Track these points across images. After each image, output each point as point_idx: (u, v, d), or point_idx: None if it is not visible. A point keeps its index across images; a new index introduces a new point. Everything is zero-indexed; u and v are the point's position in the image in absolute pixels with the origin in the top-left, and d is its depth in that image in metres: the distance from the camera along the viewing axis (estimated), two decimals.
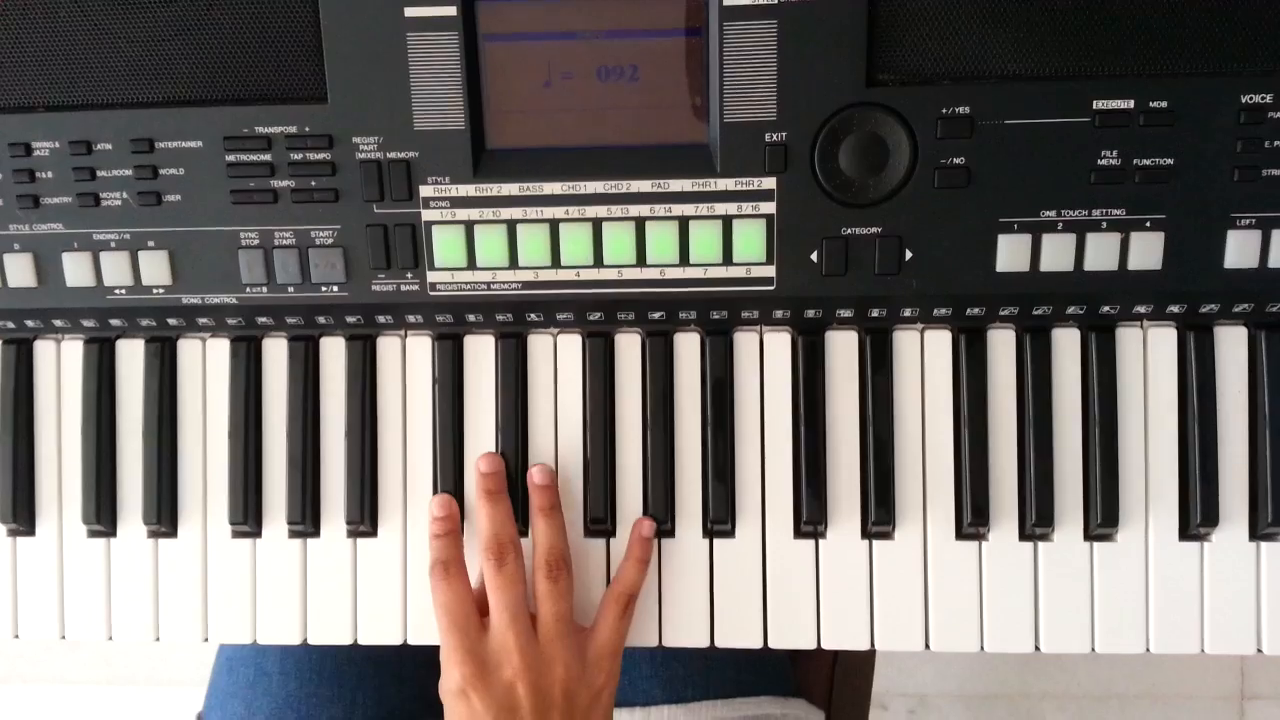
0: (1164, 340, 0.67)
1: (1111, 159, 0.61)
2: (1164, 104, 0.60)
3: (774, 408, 0.68)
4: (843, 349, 0.68)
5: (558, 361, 0.69)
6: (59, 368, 0.71)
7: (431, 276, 0.65)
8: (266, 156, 0.64)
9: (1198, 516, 0.66)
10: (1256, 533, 0.67)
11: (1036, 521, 0.66)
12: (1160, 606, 0.67)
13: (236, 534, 0.70)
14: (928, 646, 0.68)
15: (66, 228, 0.66)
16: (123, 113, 0.64)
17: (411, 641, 0.70)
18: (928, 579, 0.68)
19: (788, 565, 0.68)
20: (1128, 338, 0.67)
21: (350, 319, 0.68)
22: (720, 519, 0.68)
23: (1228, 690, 1.44)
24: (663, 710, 0.78)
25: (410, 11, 0.61)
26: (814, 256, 0.64)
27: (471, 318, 0.68)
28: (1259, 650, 0.67)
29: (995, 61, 0.61)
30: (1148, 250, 0.62)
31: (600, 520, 0.69)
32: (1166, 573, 0.67)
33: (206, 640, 0.71)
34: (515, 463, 0.69)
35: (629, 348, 0.69)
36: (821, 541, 0.68)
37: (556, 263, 0.65)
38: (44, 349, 0.71)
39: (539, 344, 0.69)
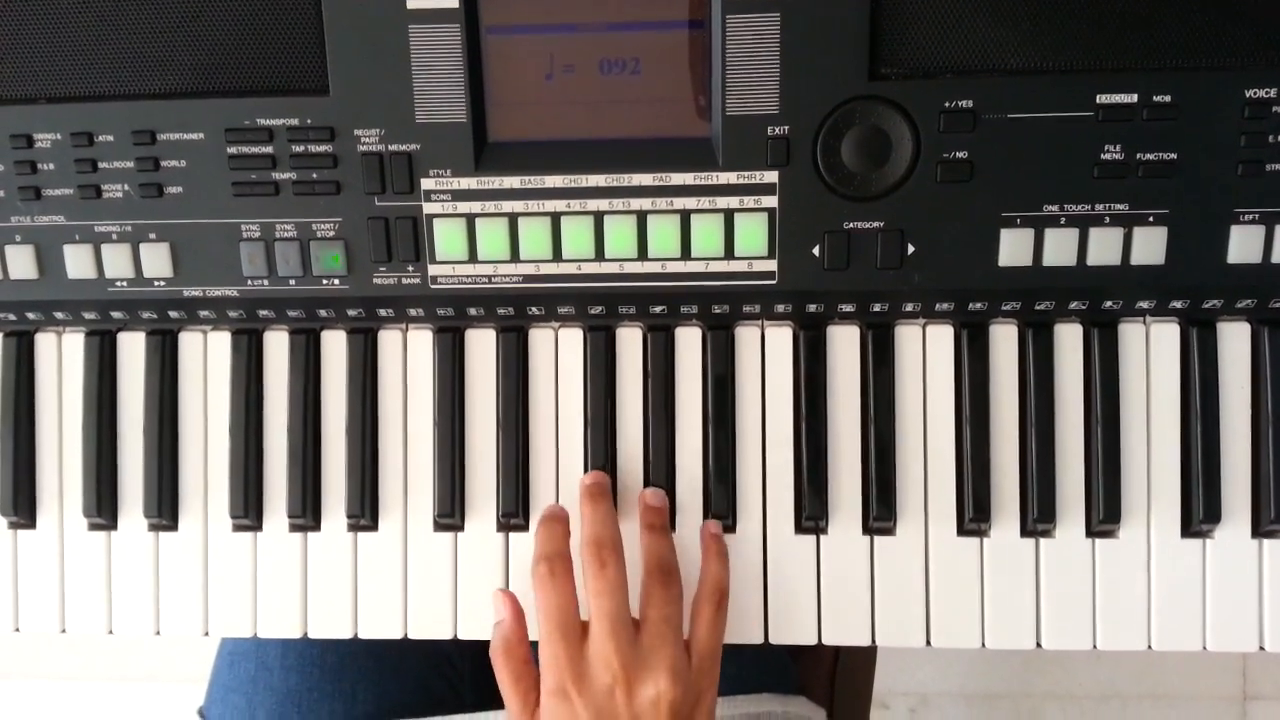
0: (1166, 336, 0.67)
1: (1115, 153, 0.61)
2: (1168, 98, 0.60)
3: (775, 402, 0.68)
4: (844, 344, 0.68)
5: (559, 355, 0.69)
6: (60, 360, 0.71)
7: (433, 270, 0.65)
8: (268, 149, 0.64)
9: (1200, 513, 0.66)
10: (1259, 529, 0.67)
11: (1038, 518, 0.66)
12: (1162, 603, 0.67)
13: (237, 527, 0.70)
14: (929, 643, 0.68)
15: (68, 219, 0.66)
16: (124, 104, 0.64)
17: (412, 635, 0.70)
18: (929, 575, 0.68)
19: (788, 561, 0.68)
20: (1130, 333, 0.67)
21: (351, 312, 0.68)
22: (721, 514, 0.68)
23: (1230, 690, 1.44)
24: None
25: (412, 3, 0.61)
26: (816, 250, 0.64)
27: (473, 311, 0.68)
28: (1261, 648, 0.67)
29: (998, 55, 0.61)
30: (1151, 245, 0.62)
31: None
32: (1168, 569, 0.67)
33: (207, 634, 0.71)
34: (516, 455, 0.68)
35: (630, 341, 0.69)
36: (822, 537, 0.68)
37: (558, 256, 0.65)
38: (45, 341, 0.71)
39: (540, 337, 0.69)
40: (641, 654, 0.63)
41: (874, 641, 0.68)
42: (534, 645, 0.66)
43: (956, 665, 1.46)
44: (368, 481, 0.69)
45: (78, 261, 0.66)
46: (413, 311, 0.68)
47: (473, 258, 0.65)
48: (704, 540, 0.67)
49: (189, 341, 0.70)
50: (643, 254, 0.64)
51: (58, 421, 0.71)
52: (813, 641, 0.68)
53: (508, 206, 0.64)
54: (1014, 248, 0.63)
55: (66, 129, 0.64)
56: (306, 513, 0.69)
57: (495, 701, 0.85)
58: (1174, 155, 0.61)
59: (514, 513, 0.68)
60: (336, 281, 0.66)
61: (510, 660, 0.66)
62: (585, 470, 0.69)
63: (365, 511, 0.69)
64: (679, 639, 0.64)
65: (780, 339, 0.68)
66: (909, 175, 0.62)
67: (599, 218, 0.64)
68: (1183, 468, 0.67)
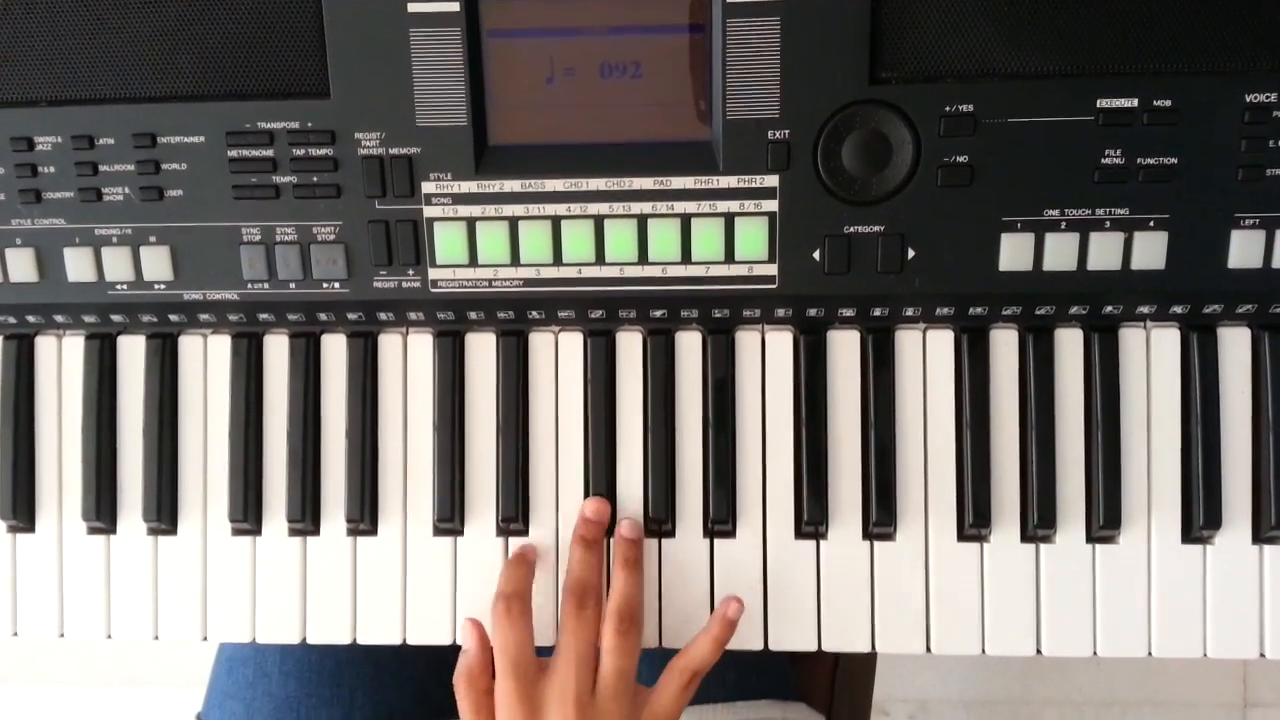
0: (1167, 341, 0.66)
1: (1115, 158, 0.61)
2: (1168, 103, 0.60)
3: (775, 407, 0.68)
4: (845, 348, 0.68)
5: (559, 359, 0.69)
6: (60, 363, 0.71)
7: (433, 273, 0.65)
8: (269, 152, 0.64)
9: (1200, 519, 0.66)
10: (1260, 536, 0.66)
11: (1038, 523, 0.66)
12: (1162, 610, 0.67)
13: (236, 531, 0.70)
14: (929, 649, 0.68)
15: (68, 222, 0.66)
16: (125, 107, 0.64)
17: (410, 641, 0.69)
18: (929, 581, 0.67)
19: (788, 566, 0.68)
20: (1131, 338, 0.67)
21: (351, 316, 0.68)
22: (721, 519, 0.68)
23: (1230, 697, 1.44)
24: None
25: (413, 7, 0.61)
26: (816, 255, 0.64)
27: (473, 315, 0.68)
28: (1261, 655, 0.67)
29: (999, 59, 0.61)
30: (1151, 250, 0.62)
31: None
32: (1169, 576, 0.67)
33: (205, 639, 0.71)
34: (516, 459, 0.68)
35: (630, 346, 0.68)
36: (822, 542, 0.68)
37: (558, 260, 0.65)
38: (45, 344, 0.71)
39: (540, 342, 0.69)
40: (596, 703, 0.63)
41: (874, 648, 0.68)
42: None
43: (956, 671, 1.46)
44: (367, 486, 0.69)
45: (78, 264, 0.66)
46: (413, 315, 0.68)
47: (473, 261, 0.65)
48: (716, 618, 0.67)
49: (189, 345, 0.70)
50: (643, 258, 0.64)
51: (57, 425, 0.71)
52: (812, 648, 0.68)
53: (508, 210, 0.64)
54: (1014, 252, 0.63)
55: (67, 132, 0.64)
56: (306, 517, 0.69)
57: None
58: (1174, 160, 0.61)
59: (514, 517, 0.68)
60: (337, 285, 0.66)
61: (472, 690, 0.66)
62: (585, 474, 0.68)
63: (365, 516, 0.69)
64: (630, 692, 0.65)
65: (780, 343, 0.68)
66: (909, 179, 0.62)
67: (599, 221, 0.64)
68: (1183, 473, 0.67)
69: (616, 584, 0.66)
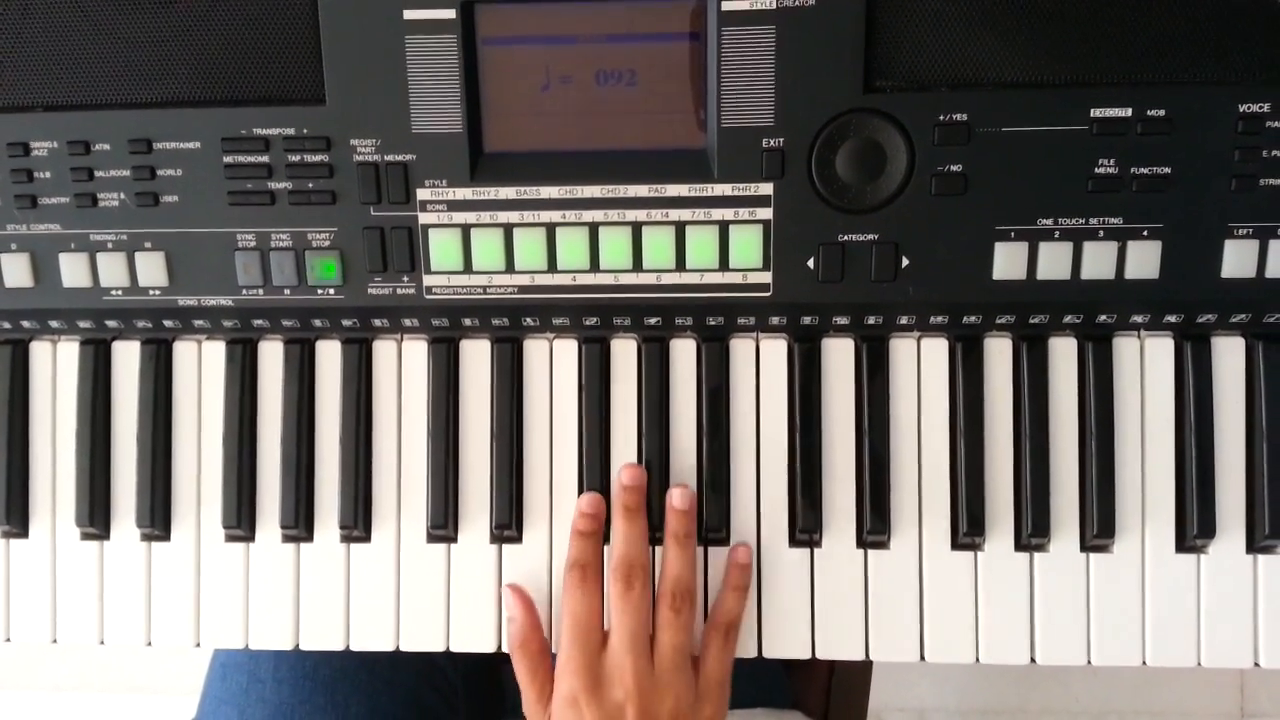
0: (1161, 350, 0.67)
1: (1109, 167, 0.61)
2: (1162, 112, 0.60)
3: (769, 415, 0.68)
4: (839, 356, 0.68)
5: (553, 366, 0.69)
6: (54, 369, 0.71)
7: (428, 280, 0.65)
8: (264, 158, 0.64)
9: (1194, 528, 0.66)
10: (1254, 545, 0.66)
11: (1032, 532, 0.66)
12: (1157, 619, 0.67)
13: (230, 538, 0.70)
14: (923, 657, 0.67)
15: (64, 228, 0.66)
16: (121, 113, 0.64)
17: (404, 648, 0.69)
18: (923, 589, 0.67)
19: (782, 574, 0.68)
20: (1124, 347, 0.67)
21: (346, 322, 0.68)
22: (715, 527, 0.68)
23: (1228, 708, 1.43)
24: None
25: (409, 14, 0.61)
26: (810, 263, 0.64)
27: (467, 322, 0.68)
28: (1256, 664, 0.67)
29: (993, 68, 0.61)
30: (1145, 259, 0.62)
31: None
32: (1163, 585, 0.67)
33: (199, 645, 0.71)
34: (510, 466, 0.68)
35: (625, 353, 0.68)
36: (816, 550, 0.68)
37: (553, 267, 0.65)
38: (40, 350, 0.71)
39: (535, 348, 0.69)
40: (655, 676, 0.64)
41: (868, 656, 0.68)
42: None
43: (953, 680, 1.45)
44: (361, 492, 0.69)
45: (73, 270, 0.66)
46: (407, 322, 0.68)
47: (468, 268, 0.65)
48: (729, 567, 0.67)
49: (183, 351, 0.70)
50: (638, 265, 0.64)
51: (51, 430, 0.71)
52: (806, 655, 0.68)
53: (503, 217, 0.64)
54: (1008, 261, 0.63)
55: (63, 137, 0.64)
56: (299, 523, 0.69)
57: (488, 714, 0.85)
58: (1168, 169, 0.61)
59: (507, 524, 0.68)
60: (331, 291, 0.66)
61: (526, 654, 0.67)
62: (580, 482, 0.68)
63: (358, 522, 0.69)
64: (687, 665, 0.66)
65: (775, 351, 0.68)
66: (904, 188, 0.62)
67: (594, 229, 0.64)
68: (1177, 482, 0.67)
69: (669, 560, 0.66)
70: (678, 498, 0.67)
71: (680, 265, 0.64)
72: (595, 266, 0.64)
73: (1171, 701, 1.43)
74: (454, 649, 0.69)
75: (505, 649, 0.68)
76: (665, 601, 0.66)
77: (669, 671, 0.65)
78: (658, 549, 0.68)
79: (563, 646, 0.66)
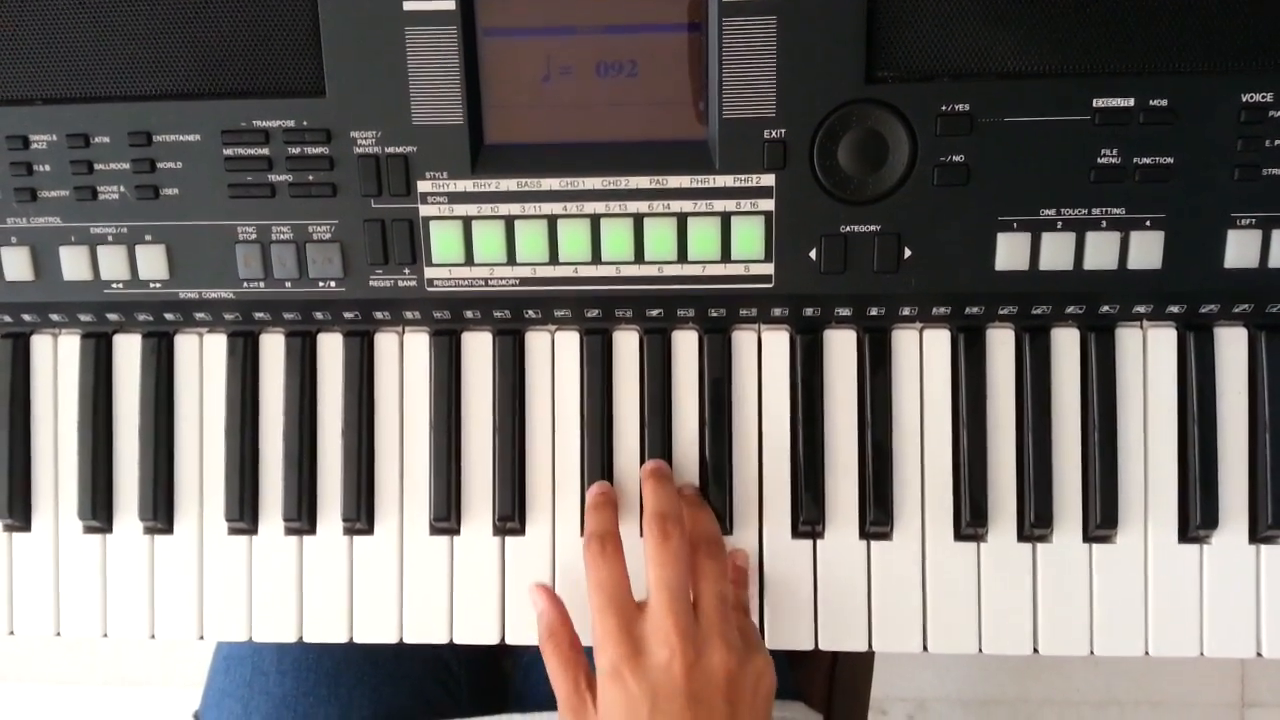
0: (1163, 341, 0.66)
1: (1111, 157, 0.61)
2: (1164, 102, 0.60)
3: (772, 406, 0.68)
4: (841, 348, 0.68)
5: (555, 358, 0.69)
6: (55, 362, 0.71)
7: (429, 272, 0.65)
8: (264, 150, 0.64)
9: (1197, 518, 0.66)
10: (1256, 535, 0.66)
11: (1035, 523, 0.66)
12: (1159, 609, 0.67)
13: (233, 531, 0.70)
14: (926, 648, 0.68)
15: (64, 221, 0.65)
16: (120, 106, 0.63)
17: (407, 640, 0.69)
18: (926, 580, 0.67)
19: (785, 566, 0.68)
20: (1127, 338, 0.67)
21: (348, 315, 0.68)
22: (718, 518, 0.67)
23: (1228, 697, 1.44)
24: None
25: (409, 5, 0.61)
26: (812, 254, 0.63)
27: (469, 314, 0.68)
28: (1258, 654, 0.67)
29: (995, 58, 0.61)
30: (1147, 249, 0.62)
31: None
32: (1165, 575, 0.67)
33: (202, 638, 0.71)
34: (512, 458, 0.68)
35: (627, 345, 0.68)
36: (819, 542, 0.68)
37: (554, 259, 0.64)
38: (40, 343, 0.71)
39: (536, 341, 0.69)
40: (699, 629, 0.61)
41: (871, 647, 0.68)
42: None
43: (954, 670, 1.46)
44: (363, 485, 0.69)
45: (73, 263, 0.66)
46: (409, 314, 0.68)
47: (469, 260, 0.65)
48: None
49: (185, 344, 0.70)
50: (639, 257, 0.64)
51: (53, 424, 0.71)
52: (809, 647, 0.68)
53: (504, 209, 0.64)
54: (1011, 251, 0.63)
55: (62, 130, 0.64)
56: (302, 516, 0.69)
57: (492, 707, 0.86)
58: (1170, 159, 0.61)
59: (510, 516, 0.68)
60: (333, 284, 0.66)
61: (557, 646, 0.65)
62: (582, 473, 0.68)
63: (361, 515, 0.69)
64: (730, 613, 0.63)
65: (777, 343, 0.68)
66: (906, 179, 0.62)
67: (595, 220, 0.64)
68: (1180, 473, 0.66)
69: (694, 519, 0.65)
70: (685, 485, 0.67)
71: (682, 257, 0.64)
72: (597, 258, 0.64)
73: (1172, 691, 1.43)
74: (457, 641, 0.69)
75: (536, 643, 0.66)
76: (704, 552, 0.64)
77: (714, 623, 0.61)
78: None
79: (595, 620, 0.62)
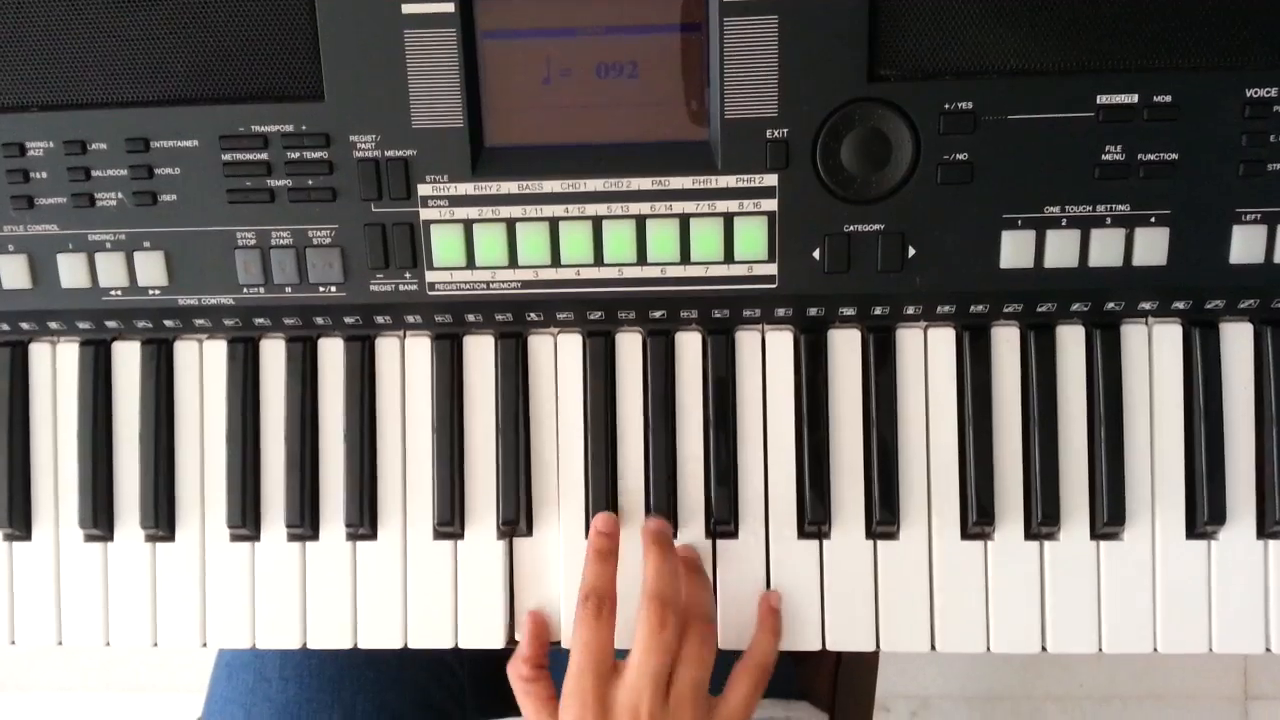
0: (1169, 337, 0.66)
1: (1115, 154, 0.61)
2: (1168, 98, 0.60)
3: (776, 407, 0.68)
4: (845, 347, 0.67)
5: (558, 361, 0.69)
6: (54, 370, 0.70)
7: (430, 276, 0.65)
8: (263, 155, 0.63)
9: (1205, 514, 0.66)
10: (1264, 530, 0.66)
11: (1042, 520, 0.66)
12: (1167, 606, 0.66)
13: (235, 537, 0.70)
14: (933, 648, 0.67)
15: (61, 228, 0.65)
16: (118, 112, 0.63)
17: (412, 645, 0.69)
18: (933, 579, 0.67)
19: (791, 566, 0.68)
20: (1132, 335, 0.66)
21: (348, 319, 0.67)
22: (723, 520, 0.67)
23: (1232, 691, 1.44)
24: None
25: (408, 8, 0.60)
26: (816, 254, 0.63)
27: (471, 318, 0.67)
28: (1268, 649, 0.66)
29: (998, 56, 0.60)
30: (1152, 246, 0.62)
31: None
32: (1173, 571, 0.66)
33: (205, 645, 0.71)
34: (516, 462, 0.68)
35: (630, 347, 0.68)
36: (825, 542, 0.68)
37: (556, 261, 0.64)
38: (39, 351, 0.70)
39: (539, 344, 0.69)
40: (667, 712, 0.63)
41: (878, 647, 0.68)
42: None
43: (957, 667, 1.46)
44: (366, 490, 0.69)
45: (72, 270, 0.65)
46: (410, 318, 0.67)
47: (470, 264, 0.64)
48: (761, 611, 0.67)
49: (185, 350, 0.70)
50: (642, 259, 0.64)
51: (53, 432, 0.70)
52: (816, 647, 0.68)
53: (505, 212, 0.63)
54: (1015, 249, 0.62)
55: (59, 137, 0.64)
56: (305, 522, 0.69)
57: (496, 711, 0.85)
58: (1175, 155, 0.61)
59: (514, 520, 0.68)
60: (333, 289, 0.65)
61: (535, 698, 0.66)
62: (586, 477, 0.68)
63: (364, 520, 0.68)
64: (704, 703, 0.64)
65: (781, 343, 0.68)
66: (909, 177, 0.62)
67: (597, 222, 0.63)
68: (1187, 469, 0.66)
69: (692, 593, 0.65)
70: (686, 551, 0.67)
71: (685, 258, 0.64)
72: (599, 260, 0.64)
73: (1175, 685, 1.43)
74: (462, 645, 0.69)
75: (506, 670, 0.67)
76: (693, 634, 0.64)
77: (684, 707, 0.63)
78: None
79: (572, 674, 0.64)
